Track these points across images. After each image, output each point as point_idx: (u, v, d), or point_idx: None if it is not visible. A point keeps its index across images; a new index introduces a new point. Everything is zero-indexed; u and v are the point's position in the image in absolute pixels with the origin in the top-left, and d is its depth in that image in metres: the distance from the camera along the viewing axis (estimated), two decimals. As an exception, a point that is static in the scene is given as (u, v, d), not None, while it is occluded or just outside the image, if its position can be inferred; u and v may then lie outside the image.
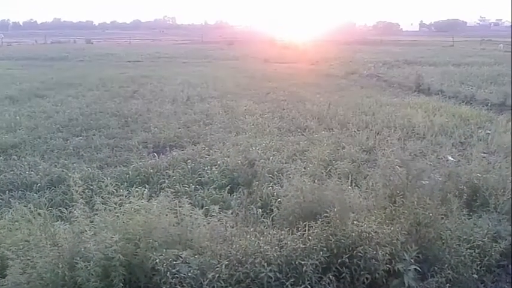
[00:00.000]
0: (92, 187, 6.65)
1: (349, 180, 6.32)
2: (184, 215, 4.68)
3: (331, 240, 4.30)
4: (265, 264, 3.88)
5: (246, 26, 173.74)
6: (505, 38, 66.52)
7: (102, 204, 4.59)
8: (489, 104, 14.00)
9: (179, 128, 11.28)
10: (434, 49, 50.16)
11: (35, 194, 6.87)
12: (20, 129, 11.03)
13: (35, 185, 7.30)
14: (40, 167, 8.09)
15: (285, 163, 8.20)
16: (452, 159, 7.89)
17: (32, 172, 7.83)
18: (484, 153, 8.43)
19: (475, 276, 4.44)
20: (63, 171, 7.85)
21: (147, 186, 6.78)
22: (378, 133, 10.44)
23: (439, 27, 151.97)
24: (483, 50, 46.05)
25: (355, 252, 4.19)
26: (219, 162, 8.09)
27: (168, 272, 3.79)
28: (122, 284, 3.86)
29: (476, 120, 11.84)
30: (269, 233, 4.42)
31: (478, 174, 6.39)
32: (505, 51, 43.32)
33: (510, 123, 11.08)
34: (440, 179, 6.07)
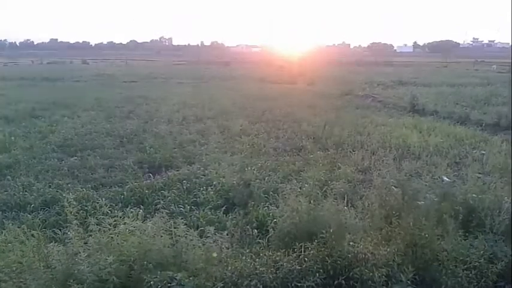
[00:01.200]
0: (86, 208, 6.60)
1: (345, 201, 6.30)
2: (179, 236, 4.65)
3: (327, 262, 4.28)
4: (261, 286, 3.85)
5: (242, 46, 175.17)
6: (498, 59, 67.48)
7: (97, 225, 4.56)
8: (483, 125, 14.09)
9: (175, 148, 11.27)
10: (428, 70, 50.72)
11: (28, 215, 6.81)
12: (14, 150, 10.98)
13: (29, 206, 7.24)
14: (34, 187, 8.04)
15: (281, 183, 8.17)
16: (447, 179, 7.90)
17: (26, 193, 7.78)
18: (479, 173, 8.44)
19: (472, 297, 4.40)
20: (57, 191, 7.80)
21: (142, 206, 6.74)
22: (373, 153, 10.46)
23: (432, 48, 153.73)
24: (476, 71, 46.63)
25: (351, 273, 4.16)
26: (214, 183, 8.07)
27: (163, 295, 3.74)
28: (115, 307, 3.80)
29: (470, 141, 11.90)
30: (265, 255, 4.39)
31: (474, 195, 6.38)
32: (498, 72, 43.85)
33: (505, 143, 11.13)
34: (436, 199, 6.07)
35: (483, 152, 10.58)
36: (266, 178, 8.42)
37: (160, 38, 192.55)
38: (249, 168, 8.95)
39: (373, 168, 9.09)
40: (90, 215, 5.64)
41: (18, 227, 4.80)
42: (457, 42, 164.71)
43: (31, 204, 7.31)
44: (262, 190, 7.58)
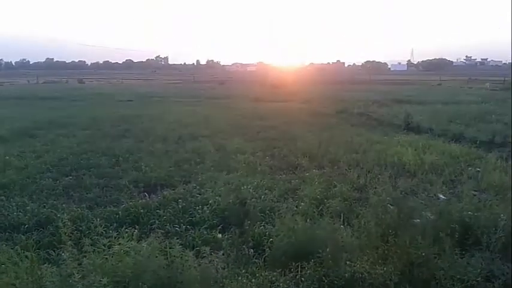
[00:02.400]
0: (81, 228, 6.55)
1: (341, 219, 6.29)
2: (174, 256, 4.62)
3: (324, 281, 4.25)
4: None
5: (237, 65, 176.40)
6: (491, 77, 68.21)
7: (91, 245, 4.53)
8: (478, 142, 14.17)
9: (170, 167, 11.24)
10: (422, 88, 51.15)
11: (22, 236, 6.73)
12: (9, 170, 10.92)
13: (23, 226, 7.17)
14: (28, 207, 7.97)
15: (277, 202, 8.17)
16: (443, 197, 7.91)
17: (20, 213, 7.71)
18: (475, 191, 8.46)
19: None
20: (51, 211, 7.73)
21: (137, 226, 6.69)
22: (369, 171, 10.48)
23: (426, 66, 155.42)
24: (470, 89, 46.99)
25: (348, 293, 4.13)
26: (210, 202, 8.04)
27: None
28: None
29: (465, 158, 11.94)
30: (261, 275, 4.36)
31: (470, 213, 6.40)
32: (491, 90, 44.26)
33: (500, 161, 11.18)
34: (432, 217, 6.08)
35: (478, 169, 10.61)
36: (262, 197, 8.40)
37: (156, 57, 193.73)
38: (245, 186, 8.93)
39: (369, 186, 9.10)
40: (84, 236, 5.60)
41: (12, 248, 4.75)
42: (451, 60, 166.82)
43: (25, 224, 7.24)
44: (258, 209, 7.55)
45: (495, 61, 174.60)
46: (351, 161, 11.66)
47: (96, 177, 10.41)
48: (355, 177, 9.91)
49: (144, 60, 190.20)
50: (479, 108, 25.10)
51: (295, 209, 7.39)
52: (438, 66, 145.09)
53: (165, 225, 6.93)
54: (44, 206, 8.16)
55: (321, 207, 7.33)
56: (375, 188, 8.76)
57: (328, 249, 4.61)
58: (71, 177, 10.52)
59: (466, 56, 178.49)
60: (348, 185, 9.22)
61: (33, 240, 6.58)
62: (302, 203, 7.68)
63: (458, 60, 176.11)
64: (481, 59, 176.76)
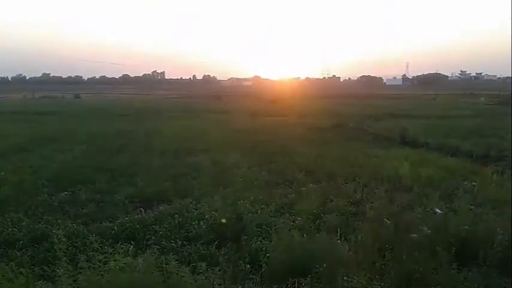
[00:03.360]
0: (76, 244, 6.50)
1: (338, 234, 6.28)
2: (170, 272, 4.58)
3: (321, 297, 4.22)
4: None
5: (233, 80, 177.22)
6: (486, 91, 68.76)
7: (87, 261, 4.49)
8: (473, 156, 14.21)
9: (167, 182, 11.20)
10: (418, 102, 51.46)
11: (17, 252, 6.67)
12: (4, 185, 10.86)
13: (18, 242, 7.10)
14: (24, 223, 7.90)
15: (274, 217, 8.13)
16: (439, 211, 7.90)
17: (15, 229, 7.65)
18: (471, 205, 8.46)
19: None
20: (47, 227, 7.67)
21: (132, 242, 6.65)
22: (365, 185, 10.47)
23: (421, 80, 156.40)
24: (465, 103, 47.30)
25: (345, 310, 4.10)
26: (206, 217, 7.99)
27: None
28: None
29: (461, 172, 11.98)
30: (258, 291, 4.33)
31: (466, 227, 6.39)
32: (486, 104, 44.60)
33: (495, 175, 11.21)
34: (428, 232, 6.07)
35: (474, 183, 10.63)
36: (259, 211, 8.37)
37: (152, 72, 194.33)
38: (242, 201, 8.91)
39: (366, 201, 9.09)
40: (80, 252, 5.56)
41: (7, 265, 4.71)
42: (445, 75, 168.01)
43: (20, 240, 7.17)
44: (255, 224, 7.51)
45: (489, 75, 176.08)
46: (347, 175, 11.65)
47: (91, 193, 10.36)
48: (352, 192, 9.90)
49: (140, 75, 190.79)
50: (475, 122, 25.26)
51: (292, 223, 7.37)
52: (433, 80, 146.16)
53: (161, 241, 6.88)
54: (40, 221, 8.10)
55: (317, 222, 7.31)
56: (372, 202, 8.76)
57: (325, 265, 4.59)
58: (66, 192, 10.46)
59: (461, 71, 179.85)
60: (344, 200, 9.20)
61: (28, 256, 6.52)
62: (299, 218, 7.65)
63: (453, 75, 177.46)
64: (476, 73, 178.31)
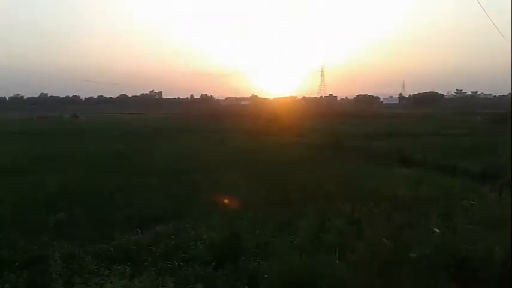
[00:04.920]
0: (72, 266, 6.42)
1: (337, 254, 6.24)
2: (167, 294, 4.53)
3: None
4: None
5: (231, 99, 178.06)
6: (482, 110, 69.21)
7: (82, 284, 4.44)
8: (471, 174, 14.22)
9: (164, 202, 11.15)
10: (415, 121, 51.69)
11: (12, 274, 6.59)
12: (1, 205, 10.79)
13: (14, 264, 7.02)
14: (20, 244, 7.83)
15: (272, 236, 8.08)
16: (438, 230, 7.87)
17: (11, 250, 7.57)
18: (469, 224, 8.43)
19: None
20: (43, 248, 7.60)
21: (129, 264, 6.58)
22: (363, 204, 10.43)
23: (418, 99, 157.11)
24: (461, 122, 47.53)
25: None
26: (204, 237, 7.94)
27: None
28: None
29: (459, 191, 11.96)
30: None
31: (465, 246, 6.36)
32: (482, 122, 44.83)
33: (493, 193, 11.20)
34: (427, 251, 6.04)
35: (472, 202, 10.61)
36: (257, 231, 8.31)
37: (150, 92, 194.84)
38: (240, 221, 8.86)
39: (364, 220, 9.04)
40: (76, 274, 5.49)
41: (2, 287, 4.64)
42: (442, 93, 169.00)
43: (16, 262, 7.09)
44: (253, 244, 7.46)
45: (485, 94, 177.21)
46: (346, 194, 11.62)
47: (88, 213, 10.29)
48: (350, 211, 9.86)
49: (138, 94, 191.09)
50: (471, 140, 25.34)
51: (291, 243, 7.32)
52: (430, 99, 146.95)
53: (158, 262, 6.81)
54: (36, 242, 8.02)
55: (316, 242, 7.26)
56: (370, 221, 8.72)
57: (324, 286, 4.55)
58: (63, 212, 10.37)
59: (457, 89, 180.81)
60: (342, 219, 9.15)
61: (23, 278, 6.44)
62: (297, 238, 7.61)
63: (449, 93, 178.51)
64: (472, 92, 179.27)
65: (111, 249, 7.56)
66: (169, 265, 6.68)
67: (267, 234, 8.22)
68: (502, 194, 11.26)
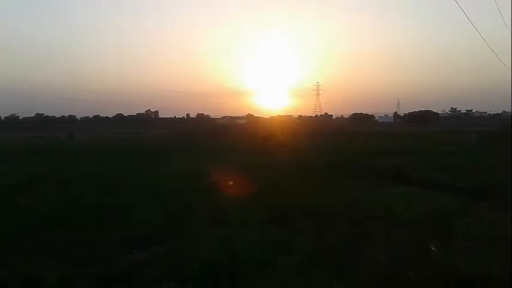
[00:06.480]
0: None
1: (334, 274, 6.21)
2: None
3: None
4: None
5: (227, 118, 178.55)
6: (477, 128, 69.73)
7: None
8: (467, 192, 14.25)
9: (160, 222, 11.09)
10: (410, 139, 51.93)
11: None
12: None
13: (7, 287, 6.94)
14: (14, 266, 7.74)
15: (270, 255, 8.03)
16: (435, 249, 7.85)
17: (5, 271, 7.48)
18: (467, 242, 8.41)
19: None
20: (38, 270, 7.51)
21: (125, 285, 6.52)
22: (360, 223, 10.43)
23: (412, 118, 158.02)
24: (457, 140, 47.80)
25: None
26: (201, 257, 7.88)
27: None
28: None
29: (456, 209, 11.96)
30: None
31: (463, 265, 6.35)
32: (477, 140, 45.11)
33: (489, 211, 11.22)
34: (425, 270, 6.02)
35: (469, 220, 10.61)
36: (254, 250, 8.27)
37: (146, 111, 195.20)
38: (237, 240, 8.82)
39: (361, 239, 9.02)
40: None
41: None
42: (436, 112, 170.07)
43: (8, 284, 7.01)
44: (251, 263, 7.42)
45: (480, 112, 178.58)
46: (342, 212, 11.61)
47: (84, 234, 10.21)
48: (347, 229, 9.84)
49: (134, 114, 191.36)
50: (467, 158, 25.46)
51: (288, 262, 7.28)
52: (424, 117, 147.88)
53: (155, 283, 6.75)
54: (31, 264, 7.94)
55: (314, 261, 7.22)
56: (367, 240, 8.70)
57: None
58: (57, 234, 10.29)
59: (451, 108, 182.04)
60: (340, 237, 9.13)
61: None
62: (294, 257, 7.57)
63: (444, 112, 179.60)
64: (466, 110, 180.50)
65: (107, 270, 7.49)
66: (165, 287, 6.62)
67: (264, 253, 8.18)
68: (499, 211, 11.28)
